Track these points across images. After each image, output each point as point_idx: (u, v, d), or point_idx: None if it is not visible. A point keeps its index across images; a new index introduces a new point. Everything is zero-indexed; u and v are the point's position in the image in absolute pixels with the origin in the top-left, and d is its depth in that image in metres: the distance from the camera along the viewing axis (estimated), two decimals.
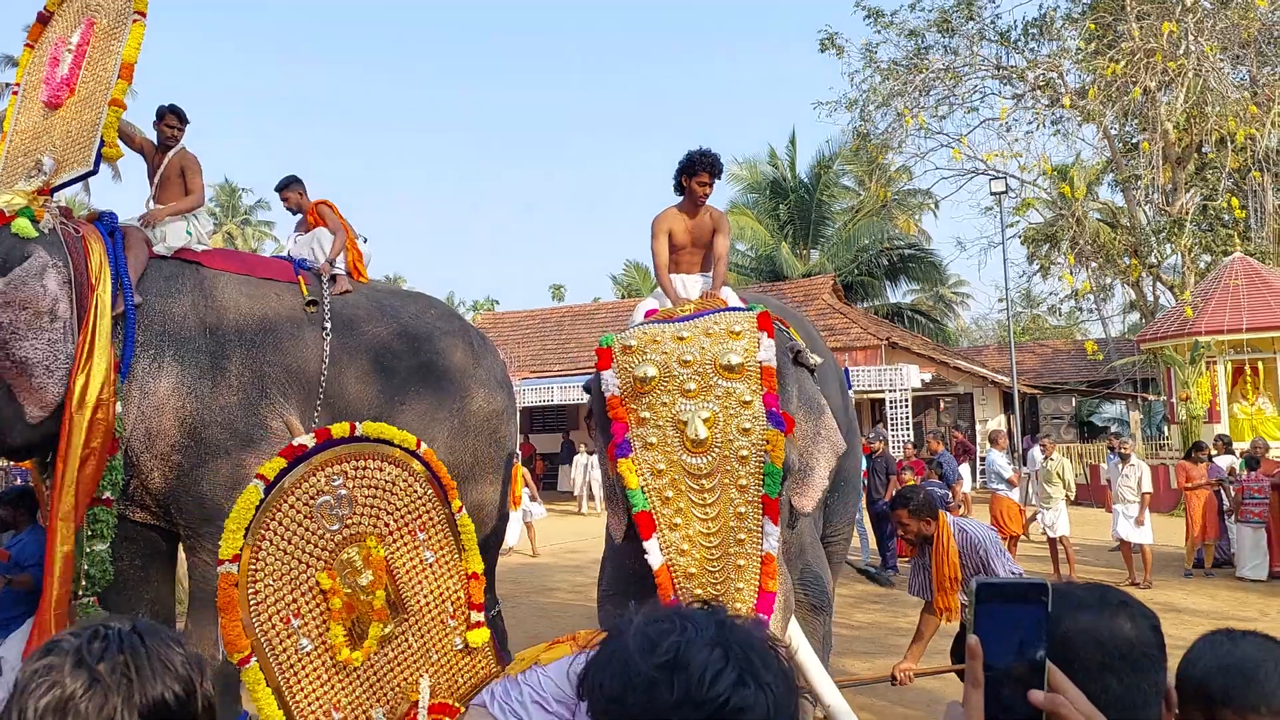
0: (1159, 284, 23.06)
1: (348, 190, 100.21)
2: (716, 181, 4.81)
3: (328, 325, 5.63)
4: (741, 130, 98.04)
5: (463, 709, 3.38)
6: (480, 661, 3.54)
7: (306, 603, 3.15)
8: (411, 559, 3.39)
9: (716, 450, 3.67)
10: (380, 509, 3.33)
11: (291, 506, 3.14)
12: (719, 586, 3.56)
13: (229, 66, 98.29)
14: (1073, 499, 12.01)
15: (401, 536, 3.37)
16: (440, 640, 3.45)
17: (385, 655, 3.30)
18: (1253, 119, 17.54)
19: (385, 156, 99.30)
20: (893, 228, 29.69)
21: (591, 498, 19.86)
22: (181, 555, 5.51)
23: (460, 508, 3.56)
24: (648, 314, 4.43)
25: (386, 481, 3.36)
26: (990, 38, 21.49)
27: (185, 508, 5.05)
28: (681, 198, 4.85)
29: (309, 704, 3.12)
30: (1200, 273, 19.98)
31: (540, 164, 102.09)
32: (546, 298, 46.94)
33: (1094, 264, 23.53)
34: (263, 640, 3.06)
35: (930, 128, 21.71)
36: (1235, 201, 18.37)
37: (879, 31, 21.83)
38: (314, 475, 3.20)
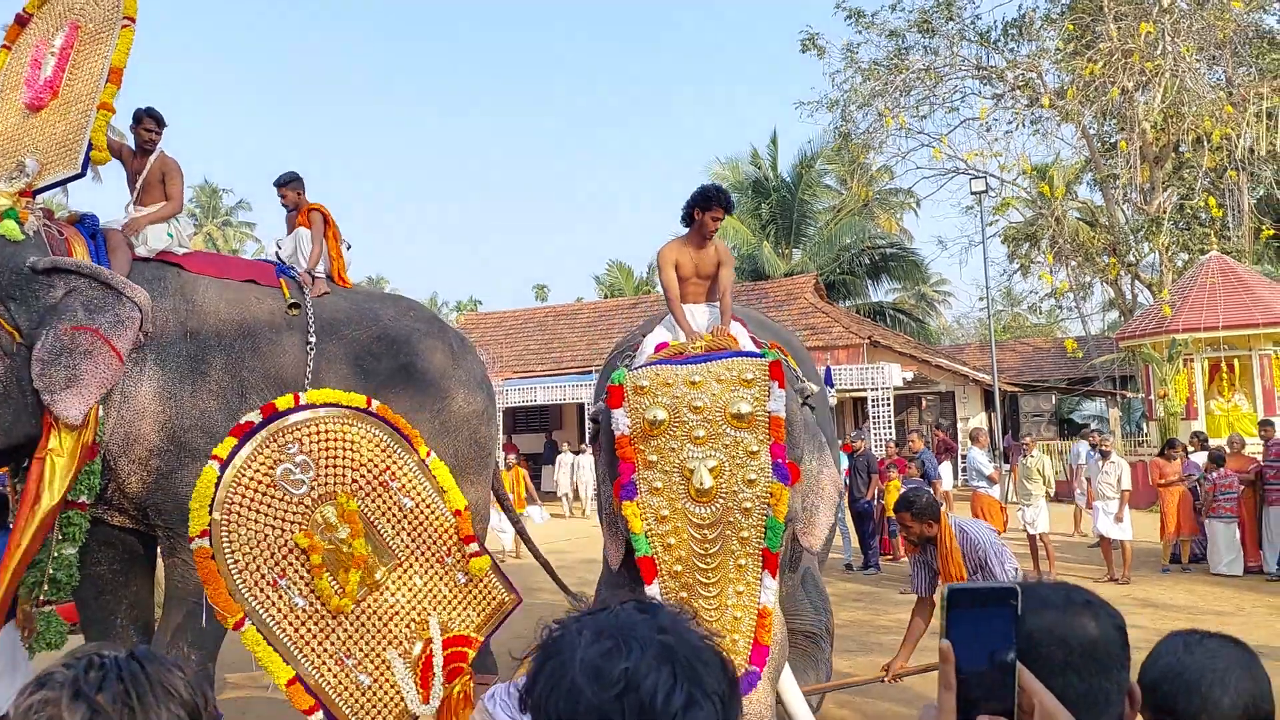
0: (1137, 282, 23.23)
1: (330, 192, 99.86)
2: (723, 218, 4.85)
3: (311, 330, 5.63)
4: (723, 130, 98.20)
5: (481, 638, 3.65)
6: (488, 589, 3.75)
7: (290, 563, 3.37)
8: (389, 507, 3.59)
9: (721, 501, 3.70)
10: (344, 467, 3.53)
11: (251, 479, 3.34)
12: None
13: (210, 65, 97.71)
14: (1052, 495, 12.11)
15: (373, 489, 3.56)
16: (442, 578, 3.66)
17: (386, 601, 3.52)
18: (1229, 119, 17.71)
19: (368, 158, 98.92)
20: (874, 227, 29.83)
21: (577, 498, 19.85)
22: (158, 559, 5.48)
23: (429, 453, 3.76)
24: (658, 347, 4.43)
25: (346, 441, 3.55)
26: (970, 38, 21.63)
27: (164, 511, 5.02)
28: (688, 229, 4.87)
29: (319, 656, 3.36)
30: (1178, 271, 20.15)
31: (522, 164, 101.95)
32: (530, 298, 46.95)
33: (1073, 262, 23.71)
34: (256, 605, 3.27)
35: (911, 127, 21.82)
36: (1212, 201, 18.54)
37: (860, 32, 21.92)
38: (268, 447, 3.40)
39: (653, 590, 3.64)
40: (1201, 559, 11.29)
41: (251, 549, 3.30)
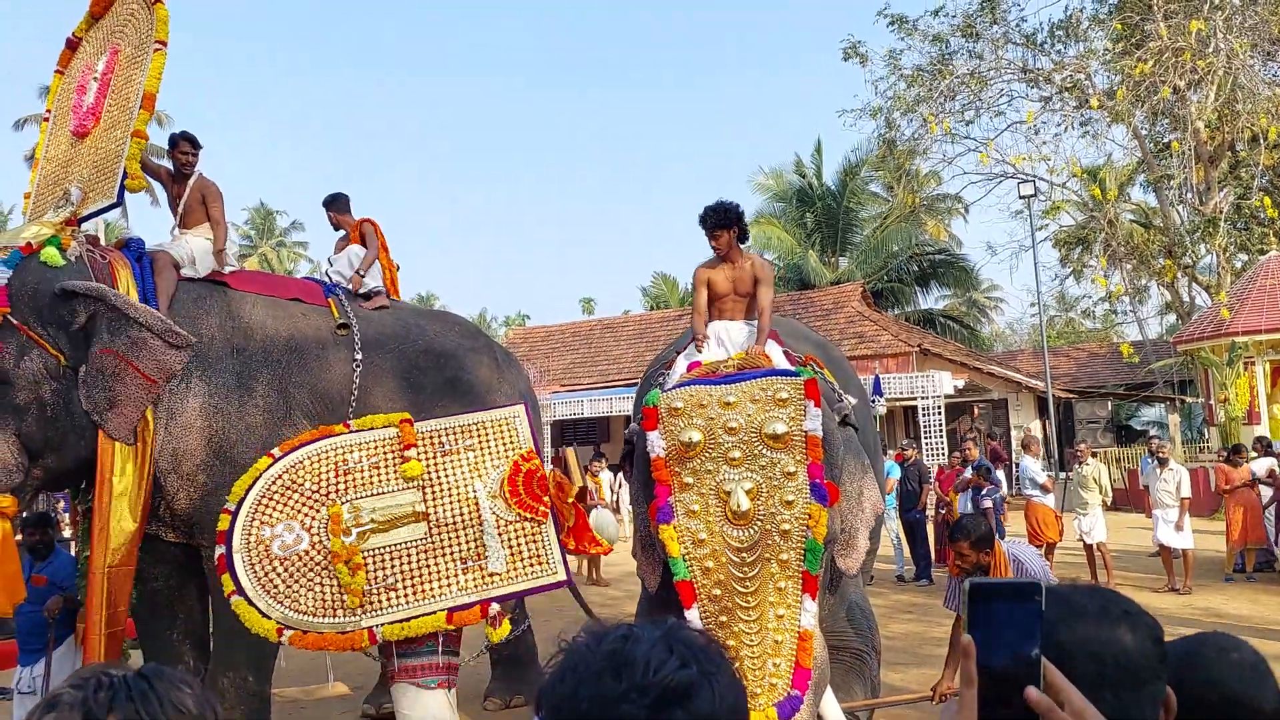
0: (1194, 285, 22.70)
1: (380, 211, 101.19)
2: (735, 230, 4.75)
3: (358, 348, 5.71)
4: (767, 140, 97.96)
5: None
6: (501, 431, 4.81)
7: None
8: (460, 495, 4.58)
9: (759, 523, 3.65)
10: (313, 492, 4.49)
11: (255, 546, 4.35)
12: (755, 661, 3.54)
13: (265, 90, 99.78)
14: (1109, 504, 11.84)
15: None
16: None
17: (444, 510, 4.52)
18: None
19: (417, 178, 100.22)
20: (922, 233, 29.46)
21: (617, 512, 19.81)
22: None
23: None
24: (690, 367, 4.40)
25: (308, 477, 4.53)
26: (1015, 41, 21.32)
27: (207, 527, 5.09)
28: None
29: (450, 584, 4.38)
30: (1236, 272, 19.66)
31: (569, 179, 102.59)
32: (577, 311, 47.20)
33: (1128, 266, 23.25)
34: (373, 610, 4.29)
35: (956, 133, 21.57)
36: (1269, 200, 18.08)
37: (903, 38, 21.73)
38: (251, 527, 4.37)
39: (692, 615, 3.60)
40: (1268, 567, 10.97)
41: (321, 603, 4.29)
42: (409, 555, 4.39)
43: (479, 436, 4.71)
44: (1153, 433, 21.48)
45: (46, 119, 5.88)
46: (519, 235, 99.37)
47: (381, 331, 5.97)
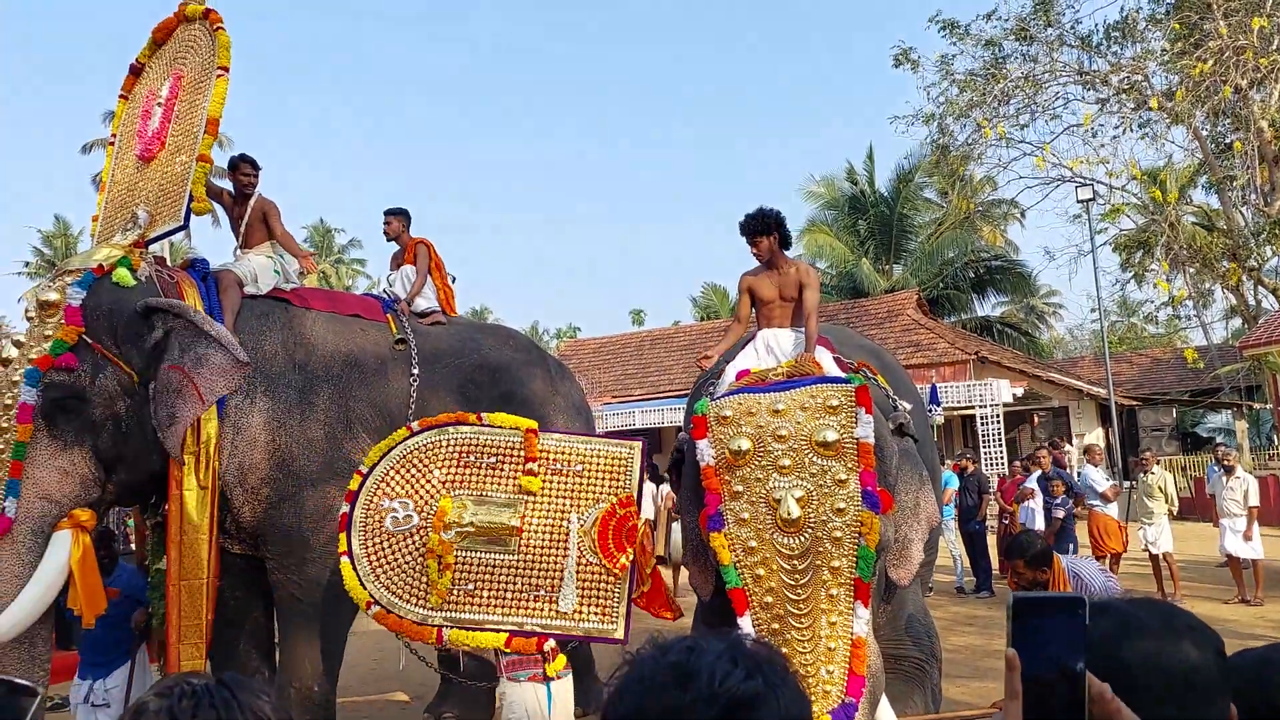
0: (1260, 287, 22.06)
1: (435, 227, 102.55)
2: (775, 236, 4.77)
3: (415, 361, 5.81)
4: (817, 148, 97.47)
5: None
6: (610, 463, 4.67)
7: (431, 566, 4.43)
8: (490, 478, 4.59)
9: (810, 530, 3.64)
10: (428, 479, 4.59)
11: (367, 530, 4.49)
12: (809, 668, 3.54)
13: (324, 111, 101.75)
14: (1175, 513, 11.55)
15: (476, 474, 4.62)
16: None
17: (534, 533, 4.47)
18: None
19: (471, 195, 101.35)
20: (978, 239, 29.03)
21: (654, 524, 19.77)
22: None
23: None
24: (739, 375, 4.40)
25: (423, 460, 4.62)
26: (1070, 43, 20.94)
27: (270, 539, 5.21)
28: None
29: (523, 609, 4.41)
30: None
31: (619, 191, 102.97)
32: (627, 323, 47.31)
33: (1191, 269, 22.65)
34: (453, 612, 4.42)
35: (1011, 137, 21.23)
36: None
37: (954, 43, 21.48)
38: (370, 500, 4.51)
39: (744, 623, 3.60)
40: None
41: (408, 589, 4.43)
42: (493, 568, 4.45)
43: (590, 465, 4.61)
44: (1219, 440, 20.92)
45: (112, 143, 6.03)
46: (570, 248, 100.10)
47: (437, 346, 6.07)
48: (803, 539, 3.64)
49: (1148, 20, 20.42)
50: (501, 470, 4.56)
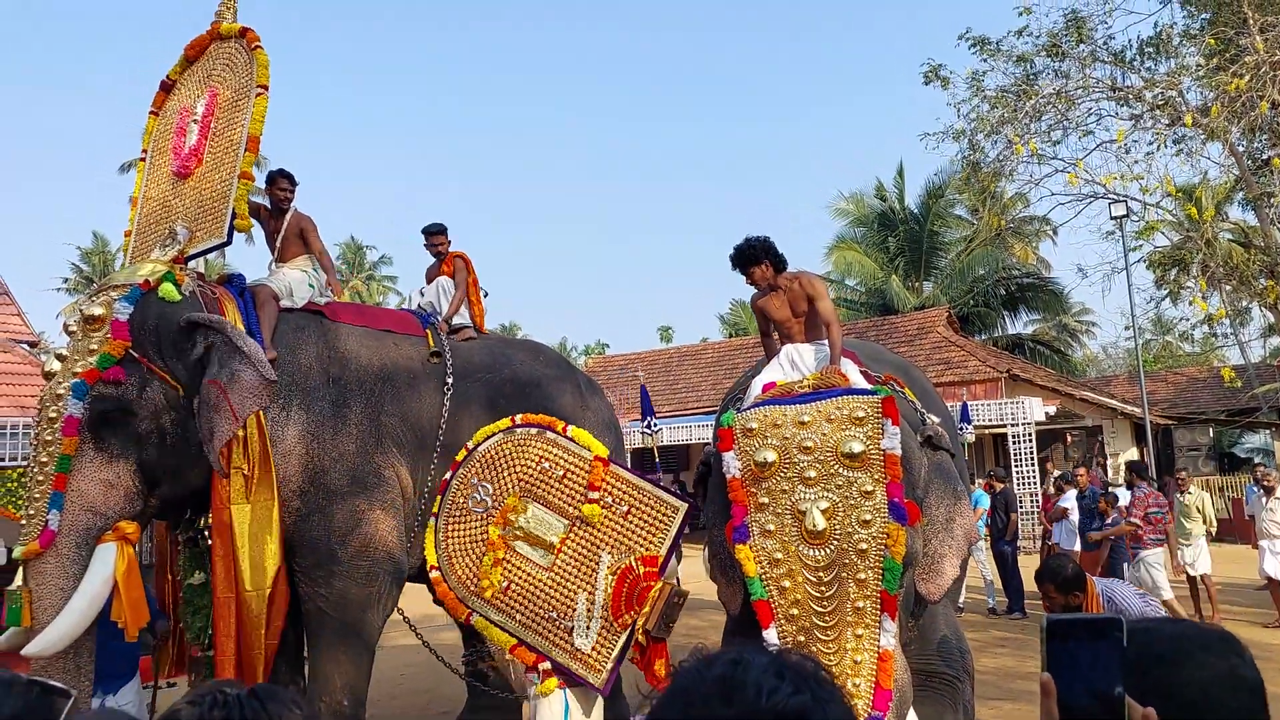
0: None
1: (464, 242, 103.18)
2: (767, 263, 4.75)
3: (450, 376, 5.86)
4: (846, 165, 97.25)
5: (662, 551, 4.47)
6: (651, 510, 4.56)
7: (488, 560, 4.59)
8: (550, 489, 4.67)
9: (835, 542, 3.64)
10: (508, 474, 4.75)
11: (451, 511, 4.76)
12: (835, 681, 3.51)
13: (355, 130, 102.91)
14: (1213, 535, 11.36)
15: (536, 480, 4.71)
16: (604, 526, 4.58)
17: (567, 557, 4.51)
18: None
19: (499, 213, 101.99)
20: (1009, 256, 28.78)
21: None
22: None
23: (565, 427, 4.84)
24: (765, 388, 4.40)
25: (508, 455, 4.78)
26: (1103, 59, 20.78)
27: (299, 550, 5.24)
28: None
29: (532, 621, 4.49)
30: None
31: (647, 207, 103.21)
32: (655, 339, 47.33)
33: (1227, 287, 22.31)
34: (476, 604, 4.58)
35: (1043, 153, 21.05)
36: None
37: (985, 60, 21.37)
38: (459, 485, 4.76)
39: (770, 635, 3.59)
40: None
41: (466, 566, 4.63)
42: (531, 575, 4.56)
43: (636, 511, 4.54)
44: (1258, 460, 20.54)
45: (143, 159, 6.07)
46: (598, 264, 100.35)
47: (470, 361, 6.12)
48: (828, 551, 3.63)
49: (1182, 35, 20.23)
50: (565, 486, 4.62)
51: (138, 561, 4.93)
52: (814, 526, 3.61)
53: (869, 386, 4.09)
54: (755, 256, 4.72)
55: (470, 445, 4.81)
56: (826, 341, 4.63)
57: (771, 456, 3.74)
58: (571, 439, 4.71)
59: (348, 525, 5.25)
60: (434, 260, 6.88)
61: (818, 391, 4.02)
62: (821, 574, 3.63)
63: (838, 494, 3.68)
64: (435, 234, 6.87)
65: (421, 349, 5.99)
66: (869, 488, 3.66)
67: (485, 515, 4.67)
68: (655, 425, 14.86)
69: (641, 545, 4.48)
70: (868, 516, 3.63)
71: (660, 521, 4.51)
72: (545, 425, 4.80)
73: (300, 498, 5.23)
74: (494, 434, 4.81)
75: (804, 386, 4.14)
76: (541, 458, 4.67)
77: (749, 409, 4.04)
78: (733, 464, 3.84)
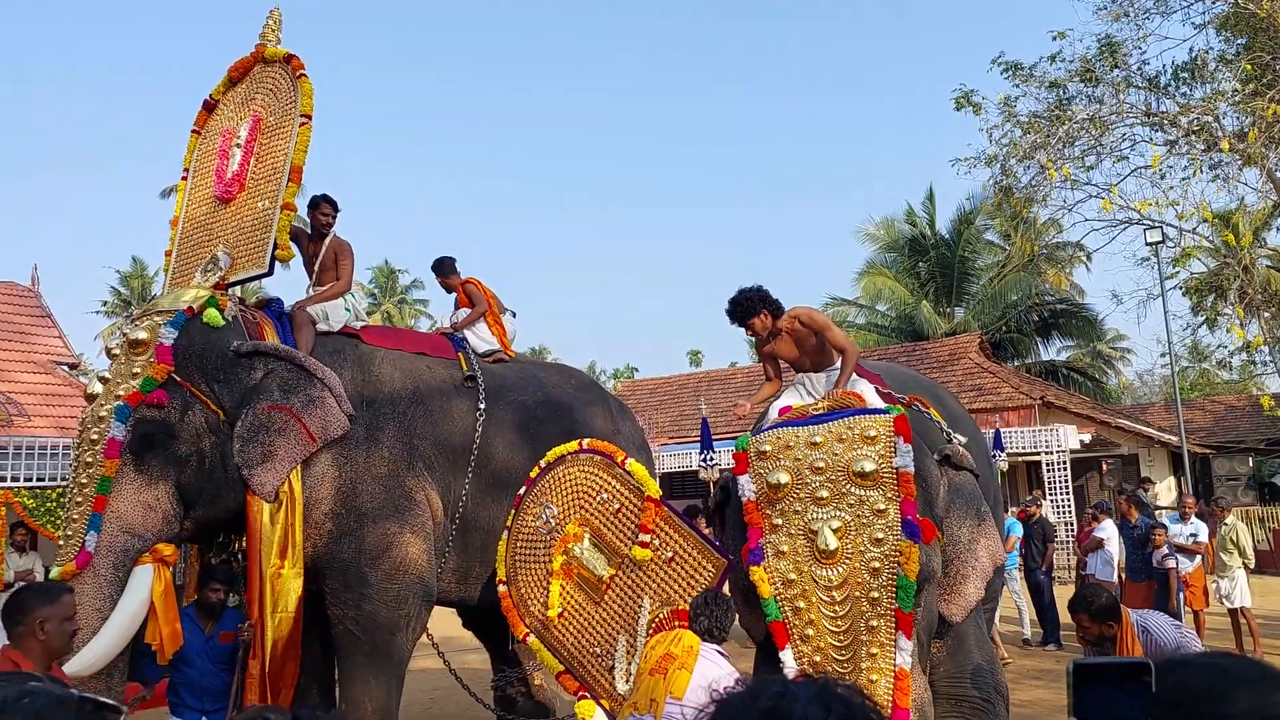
0: None
1: (495, 269, 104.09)
2: (765, 313, 4.74)
3: (482, 400, 5.88)
4: (876, 189, 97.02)
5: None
6: (695, 561, 4.51)
7: (549, 583, 4.83)
8: (607, 521, 4.77)
9: (847, 562, 3.65)
10: (572, 500, 4.94)
11: (520, 532, 5.07)
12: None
13: (386, 155, 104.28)
14: (1252, 567, 11.13)
15: (595, 510, 4.83)
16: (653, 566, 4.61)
17: (615, 594, 4.60)
18: None
19: (528, 236, 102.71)
20: (1042, 282, 28.55)
21: None
22: None
23: (625, 458, 4.94)
24: (781, 411, 4.42)
25: (573, 481, 4.97)
26: (1138, 84, 20.66)
27: (329, 573, 5.25)
28: None
29: (579, 652, 4.64)
30: None
31: (675, 231, 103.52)
32: (684, 364, 47.31)
33: (1266, 314, 22.01)
34: (534, 624, 4.86)
35: (1076, 179, 20.92)
36: None
37: (1017, 85, 21.31)
38: (529, 505, 5.07)
39: (785, 656, 3.59)
40: None
41: (528, 584, 4.84)
42: (583, 607, 4.69)
43: (679, 561, 4.46)
44: None
45: (184, 178, 6.11)
46: (627, 288, 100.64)
47: (503, 384, 6.15)
48: (840, 570, 3.64)
49: (1218, 60, 20.08)
50: (619, 522, 4.66)
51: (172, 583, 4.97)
52: (826, 546, 3.63)
53: (882, 406, 4.08)
54: (752, 308, 4.70)
55: (543, 464, 4.96)
56: (840, 362, 4.64)
57: (784, 478, 3.76)
58: (629, 473, 4.75)
59: (378, 548, 5.26)
60: (452, 295, 6.92)
61: (831, 412, 4.04)
62: (835, 594, 3.64)
63: (850, 513, 3.69)
64: (439, 270, 6.93)
65: (455, 372, 6.03)
66: (881, 506, 3.66)
67: (549, 537, 4.82)
68: (712, 460, 14.79)
69: (680, 597, 4.40)
70: (880, 535, 3.63)
71: (699, 575, 4.42)
72: (609, 454, 4.87)
73: (332, 520, 5.25)
74: (565, 454, 4.94)
75: (819, 408, 4.16)
76: (602, 488, 4.76)
77: (763, 432, 4.06)
78: (747, 486, 3.88)
